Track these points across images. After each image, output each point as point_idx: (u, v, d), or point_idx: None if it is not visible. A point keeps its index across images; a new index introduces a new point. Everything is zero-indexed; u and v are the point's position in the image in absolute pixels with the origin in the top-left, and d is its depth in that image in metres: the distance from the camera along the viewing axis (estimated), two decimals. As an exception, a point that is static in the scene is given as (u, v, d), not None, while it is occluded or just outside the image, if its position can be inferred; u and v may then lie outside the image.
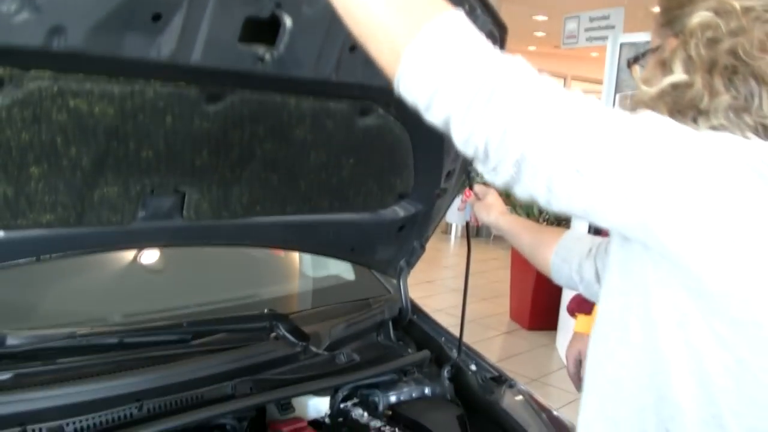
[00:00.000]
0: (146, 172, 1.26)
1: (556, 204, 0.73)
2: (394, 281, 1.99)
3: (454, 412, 1.67)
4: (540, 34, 11.53)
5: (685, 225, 0.70)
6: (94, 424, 1.29)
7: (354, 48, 1.17)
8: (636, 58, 0.92)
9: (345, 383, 1.63)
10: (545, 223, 4.70)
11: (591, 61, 10.71)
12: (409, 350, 1.89)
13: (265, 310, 1.73)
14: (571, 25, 6.67)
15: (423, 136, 1.53)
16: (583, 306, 1.91)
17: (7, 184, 1.13)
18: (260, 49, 1.11)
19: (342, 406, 1.64)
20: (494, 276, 6.59)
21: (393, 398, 1.66)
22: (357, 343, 1.81)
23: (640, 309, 0.77)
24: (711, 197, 0.69)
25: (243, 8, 1.06)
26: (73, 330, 1.44)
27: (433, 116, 0.73)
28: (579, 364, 1.87)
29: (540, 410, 1.69)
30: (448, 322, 2.02)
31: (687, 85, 0.79)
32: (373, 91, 1.28)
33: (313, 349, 1.66)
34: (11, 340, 1.39)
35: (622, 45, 4.59)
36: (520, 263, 5.05)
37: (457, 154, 1.65)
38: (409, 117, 1.46)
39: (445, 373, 1.77)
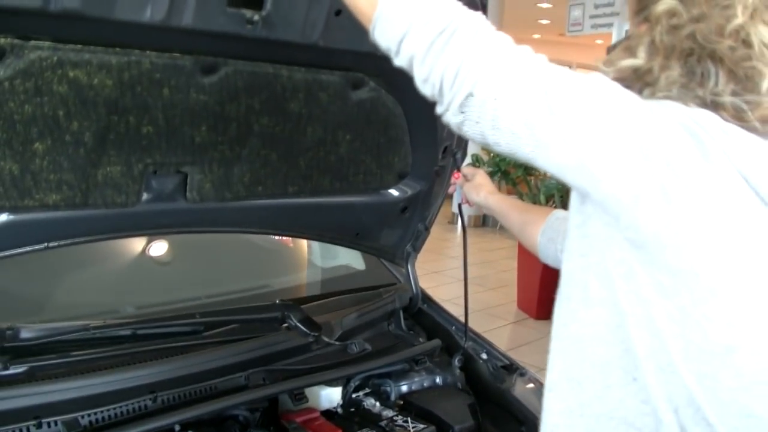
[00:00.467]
0: (147, 150, 1.31)
1: (504, 143, 0.78)
2: (404, 271, 1.99)
3: (466, 400, 1.68)
4: (544, 21, 11.48)
5: (618, 170, 0.74)
6: (109, 416, 1.30)
7: (339, 12, 1.23)
8: (614, 46, 0.95)
9: (357, 373, 1.63)
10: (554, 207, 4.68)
11: (596, 49, 10.66)
12: (420, 339, 1.89)
13: (277, 301, 1.73)
14: (576, 13, 6.64)
15: (416, 109, 1.58)
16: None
17: (12, 161, 1.17)
18: (248, 12, 1.17)
19: (354, 396, 1.64)
20: (501, 266, 6.59)
21: (405, 388, 1.67)
22: (368, 332, 1.82)
23: (598, 267, 0.81)
24: (643, 147, 0.74)
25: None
26: (86, 323, 1.44)
27: (401, 58, 0.81)
28: None
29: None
30: (456, 312, 2.01)
31: (646, 71, 0.84)
32: (361, 59, 1.35)
33: (325, 339, 1.66)
34: (25, 333, 1.39)
35: (627, 32, 4.56)
36: (527, 252, 5.03)
37: (451, 129, 1.67)
38: (401, 90, 1.52)
39: (456, 362, 1.77)
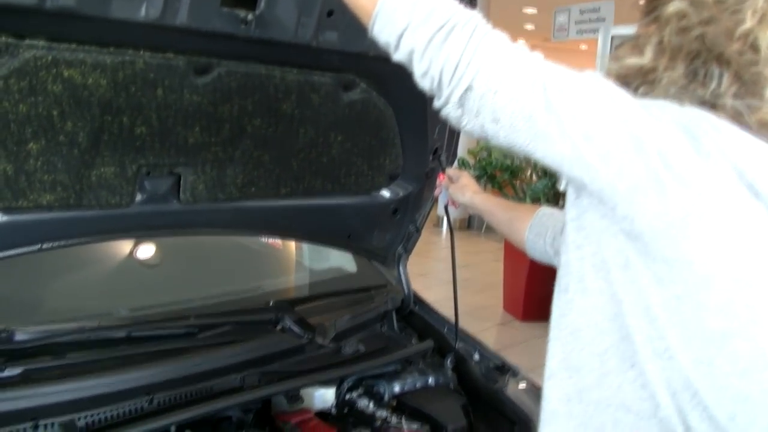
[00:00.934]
0: (141, 151, 1.32)
1: (503, 135, 0.80)
2: (395, 273, 2.01)
3: (458, 400, 1.69)
4: (530, 26, 11.55)
5: (614, 162, 0.76)
6: (106, 418, 1.31)
7: (331, 13, 1.26)
8: (622, 43, 0.97)
9: (351, 374, 1.64)
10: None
11: (581, 54, 10.75)
12: (413, 340, 1.90)
13: (271, 302, 1.74)
14: (562, 18, 6.70)
15: (407, 111, 1.60)
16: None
17: (6, 161, 1.17)
18: (242, 12, 1.19)
19: (348, 396, 1.65)
20: (486, 268, 6.62)
21: (398, 388, 1.68)
22: (361, 333, 1.83)
23: (594, 258, 0.83)
24: (638, 139, 0.76)
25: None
26: (81, 325, 1.44)
27: (400, 52, 0.83)
28: None
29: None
30: (444, 314, 2.03)
31: (650, 70, 0.86)
32: (352, 61, 1.37)
33: (319, 340, 1.67)
34: (19, 336, 1.39)
35: (613, 38, 4.62)
36: (514, 254, 5.07)
37: (441, 131, 1.70)
38: (392, 92, 1.55)
39: (448, 362, 1.79)
